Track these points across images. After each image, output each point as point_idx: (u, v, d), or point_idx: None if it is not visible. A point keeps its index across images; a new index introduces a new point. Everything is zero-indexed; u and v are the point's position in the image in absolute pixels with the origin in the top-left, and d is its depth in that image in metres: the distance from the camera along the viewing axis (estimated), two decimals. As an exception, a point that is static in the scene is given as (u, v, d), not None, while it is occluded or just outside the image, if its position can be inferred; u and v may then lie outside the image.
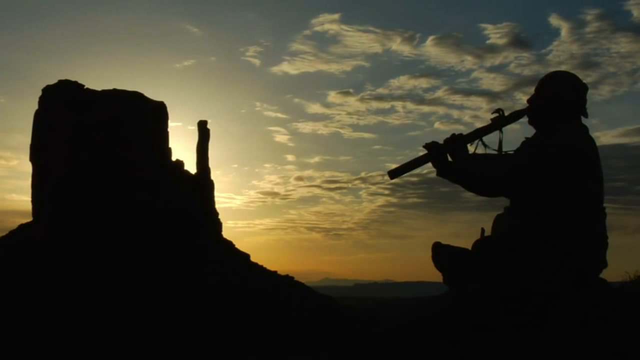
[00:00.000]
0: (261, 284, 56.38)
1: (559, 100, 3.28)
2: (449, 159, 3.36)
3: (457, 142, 3.37)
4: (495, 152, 3.39)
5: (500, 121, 3.41)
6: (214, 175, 71.09)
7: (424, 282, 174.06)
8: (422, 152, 3.40)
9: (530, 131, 3.41)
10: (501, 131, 3.41)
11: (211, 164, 70.87)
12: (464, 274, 3.33)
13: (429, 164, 3.40)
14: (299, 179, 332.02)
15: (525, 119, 3.41)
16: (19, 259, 53.26)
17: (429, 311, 3.81)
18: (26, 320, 42.77)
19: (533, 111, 3.36)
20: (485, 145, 3.41)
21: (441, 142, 3.38)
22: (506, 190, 3.26)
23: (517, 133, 3.64)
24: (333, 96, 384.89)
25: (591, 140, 3.25)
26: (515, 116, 3.41)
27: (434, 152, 3.35)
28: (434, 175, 3.40)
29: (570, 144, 3.15)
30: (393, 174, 3.44)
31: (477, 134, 3.41)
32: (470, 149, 3.39)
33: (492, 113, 3.44)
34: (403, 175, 3.50)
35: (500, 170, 3.22)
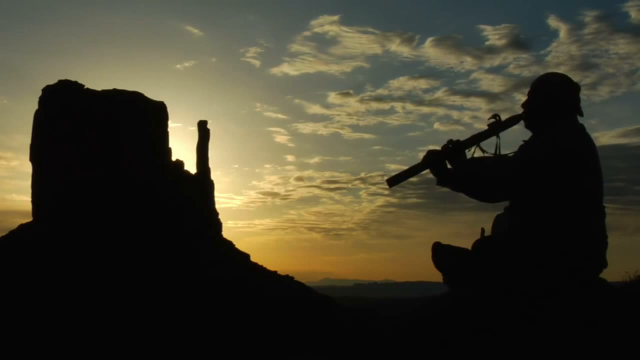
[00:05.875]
0: (261, 284, 56.39)
1: (553, 102, 3.29)
2: (448, 166, 3.37)
3: (454, 148, 3.37)
4: (493, 156, 3.39)
5: (496, 126, 3.41)
6: (214, 176, 71.19)
7: (424, 282, 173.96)
8: (422, 153, 3.40)
9: (528, 134, 3.41)
10: (498, 136, 3.41)
11: (211, 164, 70.98)
12: (464, 274, 3.33)
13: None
14: (299, 179, 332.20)
15: (522, 124, 3.42)
16: (19, 259, 53.26)
17: (429, 311, 3.81)
18: (26, 320, 42.77)
19: (529, 115, 3.37)
20: (483, 151, 3.41)
21: (440, 144, 3.39)
22: (510, 194, 3.25)
23: (516, 135, 3.65)
24: (333, 97, 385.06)
25: (589, 139, 3.25)
26: (511, 121, 3.42)
27: (433, 160, 3.35)
28: (433, 175, 3.40)
29: (567, 143, 3.15)
30: (391, 182, 3.43)
31: (474, 140, 3.41)
32: (468, 155, 3.40)
33: (489, 119, 3.45)
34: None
35: (501, 173, 3.22)
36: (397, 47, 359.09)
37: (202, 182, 68.20)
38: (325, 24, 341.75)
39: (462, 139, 3.43)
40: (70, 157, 59.53)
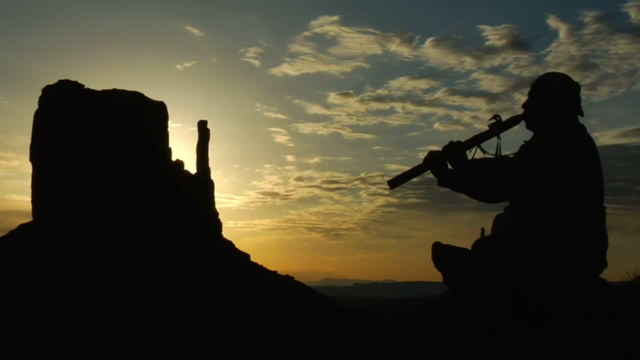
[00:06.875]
0: (261, 284, 56.38)
1: (554, 102, 3.28)
2: (449, 167, 3.36)
3: (455, 149, 3.36)
4: (494, 157, 3.39)
5: (497, 127, 3.40)
6: (214, 176, 71.16)
7: (424, 282, 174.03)
8: (422, 153, 3.41)
9: (529, 134, 3.42)
10: (499, 137, 3.40)
11: (211, 164, 70.93)
12: (464, 274, 3.33)
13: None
14: (299, 179, 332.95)
15: (523, 124, 3.41)
16: (19, 259, 53.24)
17: (429, 311, 3.81)
18: (26, 320, 42.76)
19: (530, 115, 3.36)
20: (483, 151, 3.40)
21: (440, 144, 3.39)
22: (510, 195, 3.25)
23: (517, 135, 3.65)
24: (333, 97, 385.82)
25: (590, 140, 3.25)
26: (512, 121, 3.41)
27: (433, 160, 3.34)
28: (433, 176, 3.40)
29: (569, 145, 3.15)
30: (392, 183, 3.42)
31: (475, 141, 3.41)
32: (469, 155, 3.39)
33: (489, 119, 3.44)
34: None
35: (502, 174, 3.21)
36: (397, 47, 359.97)
37: (202, 182, 68.16)
38: (325, 24, 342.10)
39: (462, 139, 3.43)
40: (70, 157, 59.49)
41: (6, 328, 40.65)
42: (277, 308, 50.95)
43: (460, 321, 3.28)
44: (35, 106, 63.65)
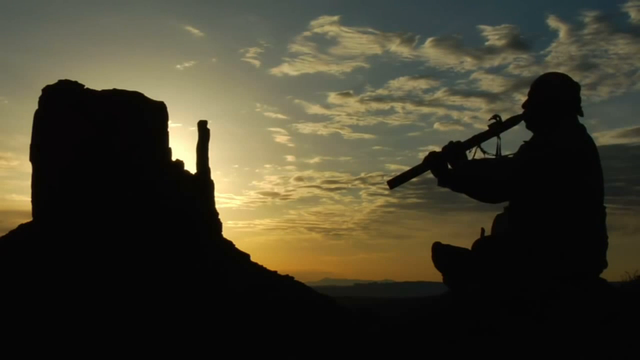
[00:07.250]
0: (261, 284, 56.35)
1: (554, 102, 3.28)
2: (449, 167, 3.36)
3: (455, 149, 3.36)
4: (494, 157, 3.38)
5: (497, 127, 3.40)
6: (214, 176, 71.13)
7: (424, 282, 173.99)
8: (422, 153, 3.40)
9: (529, 135, 3.41)
10: (499, 137, 3.40)
11: (211, 164, 70.88)
12: (464, 274, 3.33)
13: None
14: (299, 179, 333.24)
15: (523, 124, 3.41)
16: (19, 259, 53.22)
17: (429, 311, 3.81)
18: (26, 320, 42.75)
19: (529, 115, 3.36)
20: (483, 151, 3.40)
21: (440, 145, 3.39)
22: (510, 194, 3.25)
23: (517, 135, 3.65)
24: (333, 97, 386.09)
25: (590, 140, 3.25)
26: (512, 122, 3.40)
27: (433, 160, 3.34)
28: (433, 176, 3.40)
29: (569, 145, 3.15)
30: (392, 183, 3.42)
31: (475, 141, 3.40)
32: (469, 155, 3.39)
33: (489, 119, 3.43)
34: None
35: (502, 173, 3.21)
36: (397, 47, 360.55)
37: (202, 182, 68.14)
38: (325, 24, 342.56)
39: (462, 139, 3.43)
40: (69, 157, 59.47)
41: (6, 328, 40.64)
42: (277, 308, 50.93)
43: (460, 321, 3.28)
44: (35, 106, 63.64)
